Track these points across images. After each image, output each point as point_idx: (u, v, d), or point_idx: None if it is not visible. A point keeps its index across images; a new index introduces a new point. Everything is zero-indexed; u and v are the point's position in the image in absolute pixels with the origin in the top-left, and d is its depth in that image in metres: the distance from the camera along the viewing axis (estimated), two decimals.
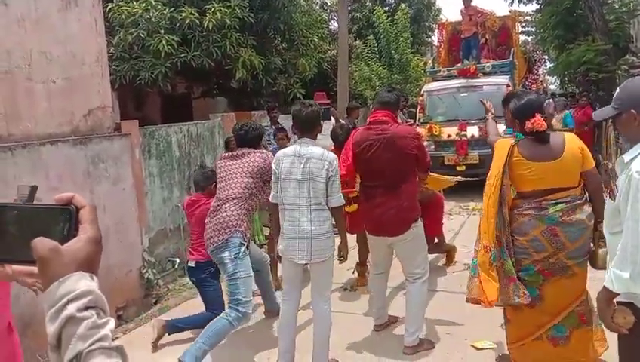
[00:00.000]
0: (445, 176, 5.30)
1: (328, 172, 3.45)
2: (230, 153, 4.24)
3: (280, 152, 3.70)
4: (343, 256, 3.76)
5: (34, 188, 0.87)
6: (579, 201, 3.05)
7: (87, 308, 0.77)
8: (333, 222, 3.63)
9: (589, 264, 3.12)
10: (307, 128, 3.61)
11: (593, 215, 3.05)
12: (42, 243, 0.79)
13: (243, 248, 3.86)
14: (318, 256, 3.51)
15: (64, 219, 0.84)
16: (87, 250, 0.82)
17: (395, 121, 3.97)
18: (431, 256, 5.88)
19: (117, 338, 0.79)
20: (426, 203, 5.32)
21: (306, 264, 3.64)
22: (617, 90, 2.26)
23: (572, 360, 3.18)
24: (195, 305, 5.18)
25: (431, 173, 4.95)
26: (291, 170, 3.50)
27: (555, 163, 3.01)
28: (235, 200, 3.88)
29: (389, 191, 3.78)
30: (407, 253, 3.99)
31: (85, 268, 0.81)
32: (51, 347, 0.78)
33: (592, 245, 3.10)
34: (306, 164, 3.46)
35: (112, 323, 0.80)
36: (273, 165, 3.66)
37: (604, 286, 2.18)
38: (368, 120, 3.99)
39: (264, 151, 4.20)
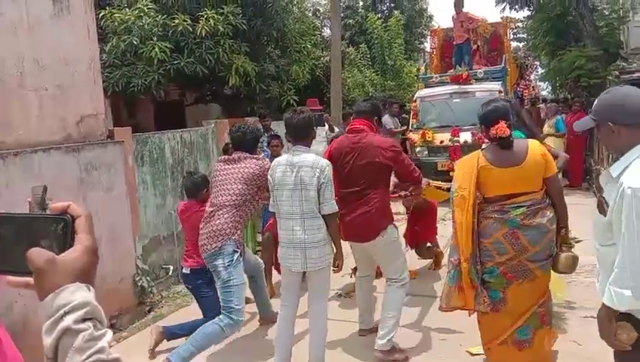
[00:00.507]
0: (443, 191, 5.30)
1: (320, 179, 3.44)
2: (226, 156, 4.21)
3: (274, 161, 3.72)
4: (337, 266, 3.73)
5: (45, 188, 0.86)
6: (540, 205, 3.11)
7: (84, 320, 0.76)
8: None
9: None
10: (300, 135, 3.62)
11: (555, 219, 3.14)
12: (38, 254, 0.78)
13: (236, 256, 3.85)
14: (313, 265, 3.52)
15: (60, 229, 0.82)
16: (84, 261, 0.81)
17: (372, 130, 4.01)
18: (424, 262, 5.91)
19: (111, 346, 0.78)
20: (420, 209, 5.36)
21: (304, 272, 3.65)
22: (595, 101, 2.25)
23: None
24: (190, 313, 5.15)
25: (430, 183, 4.99)
26: (284, 178, 3.52)
27: (518, 168, 3.09)
28: (228, 208, 3.87)
29: (359, 199, 3.84)
30: (382, 258, 4.08)
31: (82, 278, 0.80)
32: (48, 359, 0.77)
33: (554, 249, 3.17)
34: (298, 172, 3.47)
35: (110, 334, 0.79)
36: (268, 174, 3.68)
37: (603, 305, 2.12)
38: (347, 128, 4.04)
39: (260, 157, 4.18)
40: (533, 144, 3.20)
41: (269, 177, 3.66)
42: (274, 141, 6.22)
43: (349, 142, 3.93)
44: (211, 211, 3.93)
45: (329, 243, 3.59)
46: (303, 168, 3.47)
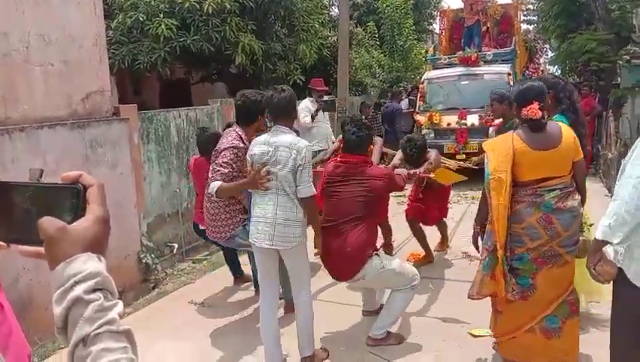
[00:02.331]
0: (454, 173, 5.22)
1: (296, 161, 3.33)
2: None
3: (254, 140, 3.63)
4: (317, 251, 3.72)
5: (41, 172, 0.85)
6: (570, 189, 3.09)
7: (94, 291, 0.76)
8: None
9: None
10: (280, 115, 3.51)
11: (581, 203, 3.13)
12: (49, 223, 0.77)
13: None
14: (280, 243, 3.42)
15: (71, 199, 0.81)
16: (95, 230, 0.81)
17: (366, 162, 3.76)
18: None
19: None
20: (437, 188, 5.31)
21: (277, 253, 3.55)
22: None
23: (560, 356, 3.18)
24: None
25: (443, 161, 4.93)
26: (262, 157, 3.42)
27: (554, 151, 3.03)
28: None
29: (337, 234, 3.62)
30: (376, 286, 4.04)
31: (93, 248, 0.79)
32: (58, 329, 0.76)
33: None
34: (275, 151, 3.38)
35: (120, 306, 0.79)
36: (248, 153, 3.59)
37: (594, 237, 2.44)
38: (339, 159, 3.86)
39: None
40: (565, 127, 3.15)
41: (247, 156, 3.58)
42: None
43: (338, 171, 3.76)
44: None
45: (302, 225, 3.48)
46: (280, 148, 3.38)
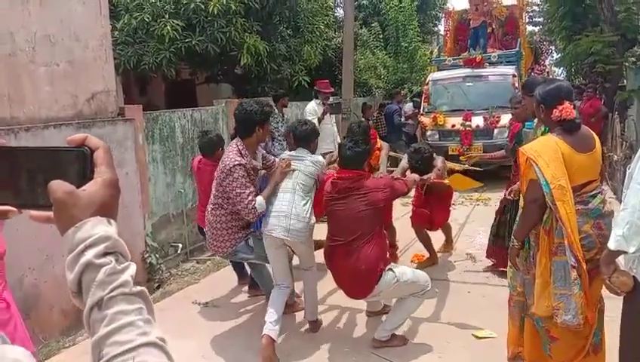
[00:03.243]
0: (470, 179, 5.05)
1: (318, 170, 3.98)
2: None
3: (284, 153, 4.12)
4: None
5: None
6: (604, 193, 2.96)
7: (105, 254, 0.76)
8: None
9: None
10: (301, 143, 4.05)
11: None
12: (58, 186, 0.76)
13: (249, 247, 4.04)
14: (294, 236, 3.81)
15: (78, 162, 0.81)
16: (104, 194, 0.80)
17: (364, 176, 3.77)
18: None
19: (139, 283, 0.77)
20: (440, 191, 5.27)
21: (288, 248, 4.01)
22: None
23: None
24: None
25: (450, 166, 4.88)
26: (289, 158, 4.02)
27: (592, 154, 2.85)
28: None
29: (348, 253, 3.63)
30: (390, 296, 3.98)
31: (102, 212, 0.79)
32: (73, 293, 0.76)
33: None
34: (300, 161, 3.97)
35: (133, 267, 0.78)
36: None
37: (607, 247, 2.31)
38: (335, 175, 3.88)
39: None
40: (588, 128, 2.99)
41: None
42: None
43: (337, 188, 3.75)
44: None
45: (310, 221, 3.93)
46: (304, 160, 3.96)
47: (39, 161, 0.81)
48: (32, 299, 4.08)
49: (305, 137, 4.04)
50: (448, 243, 5.91)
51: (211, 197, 4.02)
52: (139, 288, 0.77)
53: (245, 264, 4.97)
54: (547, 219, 2.85)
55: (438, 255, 5.72)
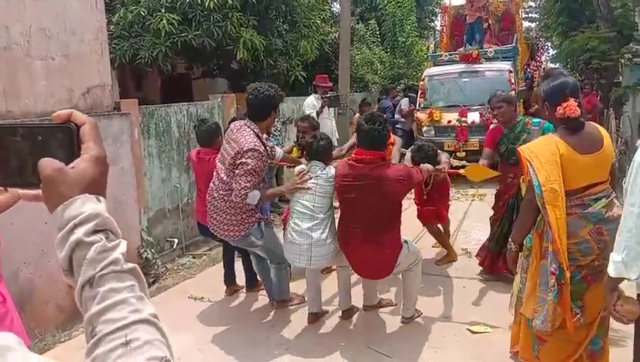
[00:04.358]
0: (487, 169, 4.59)
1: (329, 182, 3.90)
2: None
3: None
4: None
5: None
6: (612, 195, 2.80)
7: (95, 232, 0.75)
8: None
9: None
10: (318, 158, 3.97)
11: None
12: (48, 163, 0.76)
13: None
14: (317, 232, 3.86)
15: (65, 138, 0.79)
16: (93, 171, 0.79)
17: (384, 158, 3.72)
18: (429, 240, 5.90)
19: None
20: (439, 184, 5.26)
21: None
22: None
23: None
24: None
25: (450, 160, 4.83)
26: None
27: (598, 155, 2.71)
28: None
29: (369, 237, 3.64)
30: (402, 268, 3.94)
31: (91, 189, 0.78)
32: (64, 271, 0.76)
33: None
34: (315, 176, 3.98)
35: (124, 245, 0.78)
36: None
37: (607, 274, 2.16)
38: (354, 155, 3.77)
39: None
40: (599, 126, 2.84)
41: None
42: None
43: (355, 173, 3.66)
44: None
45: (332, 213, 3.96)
46: (319, 177, 3.88)
47: (24, 138, 0.79)
48: (27, 294, 4.07)
49: (322, 153, 3.98)
50: (446, 234, 5.89)
51: (219, 184, 3.92)
52: (130, 265, 0.77)
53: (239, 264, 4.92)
54: (540, 222, 2.84)
55: (435, 250, 5.74)
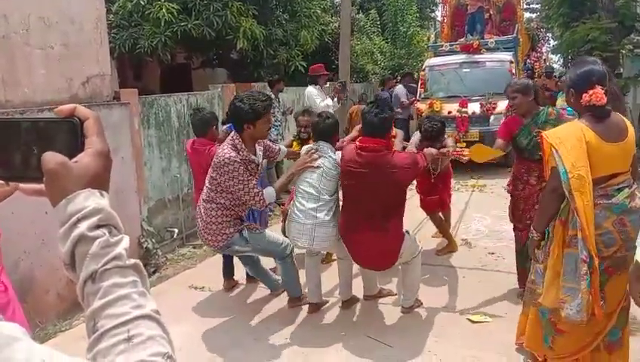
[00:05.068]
0: (490, 148, 4.41)
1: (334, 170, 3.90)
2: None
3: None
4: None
5: None
6: (634, 186, 2.75)
7: (98, 227, 0.75)
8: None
9: None
10: (323, 137, 3.99)
11: None
12: (52, 157, 0.75)
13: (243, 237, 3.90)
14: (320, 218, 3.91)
15: (68, 133, 0.79)
16: (96, 165, 0.79)
17: (389, 146, 3.71)
18: (431, 228, 5.91)
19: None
20: (441, 172, 5.25)
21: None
22: None
23: None
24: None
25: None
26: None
27: (623, 144, 2.66)
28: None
29: (372, 225, 3.64)
30: (404, 257, 3.93)
31: (95, 184, 0.78)
32: (66, 266, 0.76)
33: None
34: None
35: (126, 240, 0.78)
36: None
37: (635, 260, 2.16)
38: (358, 143, 3.72)
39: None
40: (622, 117, 2.79)
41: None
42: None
43: (361, 161, 3.63)
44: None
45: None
46: (327, 159, 3.88)
47: (28, 133, 0.79)
48: (28, 283, 4.08)
49: (328, 131, 3.97)
50: (447, 224, 5.89)
51: (204, 190, 3.87)
52: (133, 261, 0.76)
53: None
54: (564, 209, 2.77)
55: (436, 240, 5.75)
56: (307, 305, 4.24)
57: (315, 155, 3.87)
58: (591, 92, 2.61)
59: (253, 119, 3.62)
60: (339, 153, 3.89)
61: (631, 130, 2.72)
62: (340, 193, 3.96)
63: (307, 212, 3.83)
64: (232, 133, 3.80)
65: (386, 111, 3.67)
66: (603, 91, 2.62)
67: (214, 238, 3.83)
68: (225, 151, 3.65)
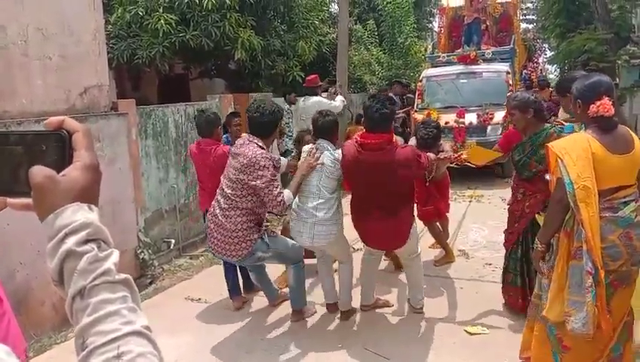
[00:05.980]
0: (490, 151, 4.45)
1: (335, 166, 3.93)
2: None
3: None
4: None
5: None
6: None
7: (87, 241, 0.74)
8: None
9: None
10: (323, 134, 4.01)
11: None
12: (39, 171, 0.74)
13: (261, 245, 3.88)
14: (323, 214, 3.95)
15: (56, 146, 0.77)
16: (85, 179, 0.77)
17: (391, 141, 3.71)
18: (428, 239, 5.90)
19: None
20: (439, 181, 5.25)
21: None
22: None
23: None
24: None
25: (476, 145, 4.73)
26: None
27: (630, 156, 2.64)
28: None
29: (386, 214, 3.75)
30: (407, 250, 4.08)
31: (83, 198, 0.76)
32: (55, 282, 0.74)
33: None
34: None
35: (116, 255, 0.76)
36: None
37: None
38: (359, 139, 3.75)
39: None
40: (629, 129, 2.78)
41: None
42: (235, 120, 5.30)
43: (363, 159, 3.67)
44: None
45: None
46: (327, 157, 3.90)
47: (16, 146, 0.77)
48: (23, 295, 4.05)
49: (328, 128, 4.01)
50: (445, 234, 5.87)
51: (222, 200, 3.80)
52: (123, 276, 0.75)
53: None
54: (568, 220, 2.74)
55: (434, 251, 5.73)
56: (311, 316, 4.29)
57: (317, 154, 3.91)
58: (599, 103, 2.60)
59: (278, 122, 3.97)
60: (339, 150, 3.93)
61: (637, 142, 2.70)
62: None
63: (307, 210, 3.87)
64: (250, 137, 3.82)
65: (388, 106, 3.70)
66: (611, 102, 2.61)
67: (238, 247, 3.75)
68: (254, 150, 3.71)
